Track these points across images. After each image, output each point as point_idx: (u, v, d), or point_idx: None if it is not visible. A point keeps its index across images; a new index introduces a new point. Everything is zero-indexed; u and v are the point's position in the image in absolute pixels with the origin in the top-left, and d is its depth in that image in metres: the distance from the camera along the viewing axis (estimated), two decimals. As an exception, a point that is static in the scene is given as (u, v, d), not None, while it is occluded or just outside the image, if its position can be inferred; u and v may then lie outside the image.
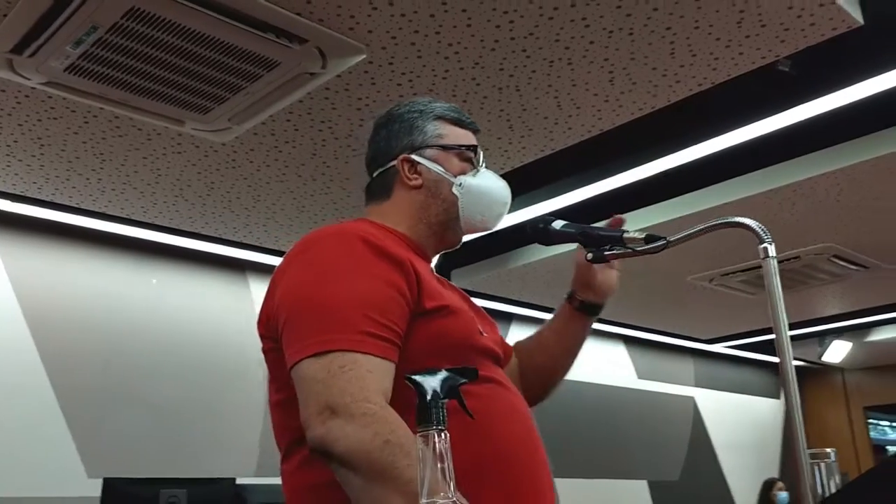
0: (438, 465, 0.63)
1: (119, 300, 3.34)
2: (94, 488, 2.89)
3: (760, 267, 3.80)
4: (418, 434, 0.66)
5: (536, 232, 1.26)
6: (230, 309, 3.69)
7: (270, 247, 3.54)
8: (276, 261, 3.67)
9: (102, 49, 1.92)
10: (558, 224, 1.24)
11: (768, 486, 5.46)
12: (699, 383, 6.06)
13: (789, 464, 0.84)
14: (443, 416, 0.66)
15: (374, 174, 1.32)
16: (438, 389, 0.67)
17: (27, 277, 3.12)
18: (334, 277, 1.07)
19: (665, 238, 1.11)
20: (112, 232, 3.24)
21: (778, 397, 6.94)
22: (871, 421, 6.87)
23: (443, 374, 0.69)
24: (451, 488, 0.62)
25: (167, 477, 2.62)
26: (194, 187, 2.87)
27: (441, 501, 0.61)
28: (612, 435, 5.11)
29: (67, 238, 3.25)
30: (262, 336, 1.16)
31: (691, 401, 5.95)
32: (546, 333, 1.42)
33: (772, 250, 0.92)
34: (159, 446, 3.24)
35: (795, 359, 6.37)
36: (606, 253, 1.18)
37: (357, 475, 0.91)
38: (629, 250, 1.17)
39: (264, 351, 1.15)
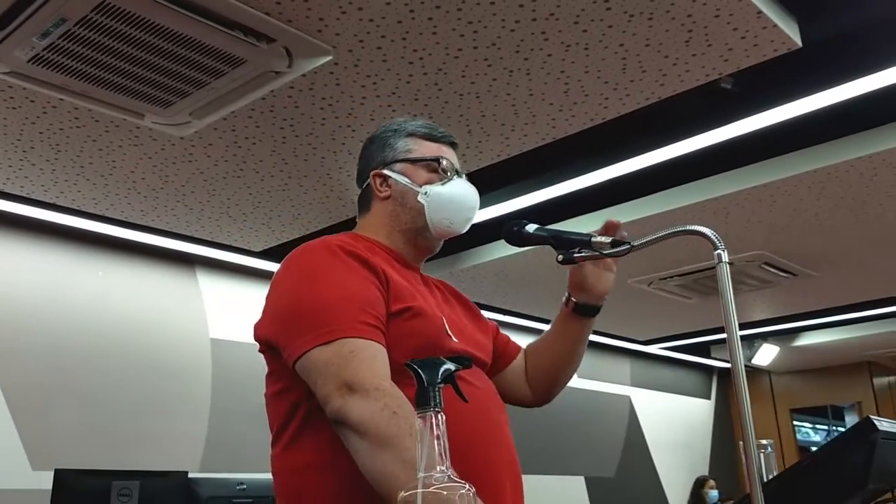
0: (435, 443, 0.70)
1: (66, 292, 3.30)
2: (39, 481, 2.86)
3: (696, 272, 3.95)
4: (417, 415, 0.73)
5: (510, 234, 1.35)
6: (178, 303, 3.68)
7: (222, 241, 3.54)
8: (227, 256, 3.67)
9: (69, 41, 1.92)
10: (531, 227, 1.32)
11: (699, 484, 5.69)
12: (635, 383, 6.26)
13: (743, 453, 0.92)
14: (439, 399, 0.73)
15: (360, 191, 1.45)
16: (437, 376, 0.75)
17: (-29, 267, 3.07)
18: (325, 279, 1.20)
19: (629, 242, 1.21)
20: (61, 223, 3.20)
21: (709, 398, 7.22)
22: (796, 423, 7.19)
23: (439, 362, 0.76)
24: (446, 463, 0.69)
25: (116, 469, 2.61)
26: (148, 180, 2.87)
27: (437, 475, 0.68)
28: (551, 432, 5.25)
29: (14, 228, 3.20)
30: (257, 339, 1.27)
31: (627, 400, 6.14)
32: (548, 335, 1.52)
33: (725, 256, 1.02)
34: (105, 439, 3.21)
35: (725, 360, 6.67)
36: (575, 255, 1.27)
37: (365, 441, 1.03)
38: (596, 253, 1.26)
39: (261, 351, 1.27)
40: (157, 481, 2.48)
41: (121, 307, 3.46)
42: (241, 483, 2.64)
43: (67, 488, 2.30)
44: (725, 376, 7.39)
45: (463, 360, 0.80)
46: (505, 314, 4.75)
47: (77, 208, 3.09)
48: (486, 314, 4.72)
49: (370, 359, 1.10)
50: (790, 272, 4.16)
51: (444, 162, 1.36)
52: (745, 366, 6.23)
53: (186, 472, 2.57)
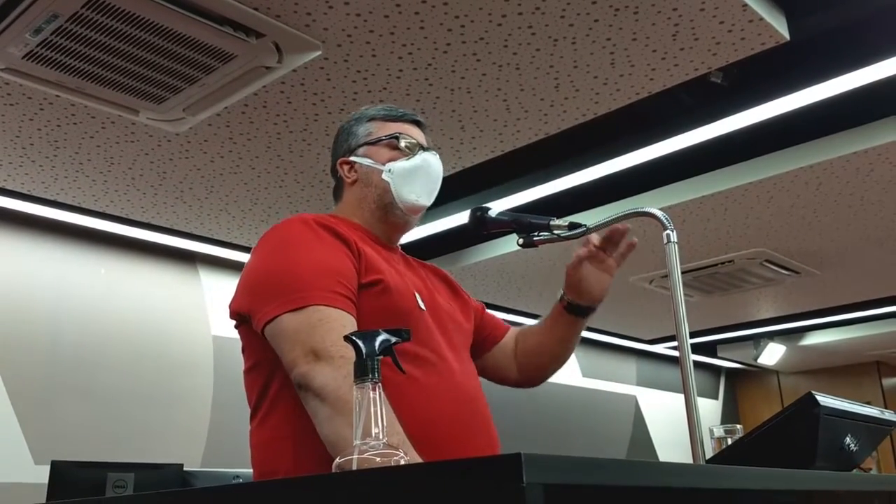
0: (372, 412, 0.72)
1: (68, 289, 3.34)
2: (41, 475, 2.89)
3: (695, 270, 3.92)
4: (355, 386, 0.75)
5: (475, 219, 1.37)
6: (180, 300, 3.71)
7: (222, 238, 3.57)
8: (227, 253, 3.70)
9: (61, 37, 1.96)
10: (494, 212, 1.35)
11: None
12: (641, 382, 6.25)
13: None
14: (377, 370, 0.75)
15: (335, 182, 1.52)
16: (375, 347, 0.76)
17: (-26, 263, 3.11)
18: (298, 249, 1.24)
19: (585, 225, 1.23)
20: (62, 220, 3.24)
21: (717, 398, 7.18)
22: (804, 423, 7.13)
23: (378, 334, 0.78)
24: (383, 432, 0.71)
25: (115, 461, 2.64)
26: (146, 177, 2.90)
27: (373, 442, 0.70)
28: (557, 431, 5.25)
29: (16, 225, 3.24)
30: (232, 314, 1.30)
31: (633, 399, 6.13)
32: (540, 327, 1.54)
33: (673, 236, 1.03)
34: (107, 435, 3.25)
35: (732, 360, 6.63)
36: (535, 239, 1.29)
37: (325, 406, 1.07)
38: (555, 236, 1.28)
39: (236, 327, 1.31)
40: (153, 473, 2.50)
41: (123, 304, 3.50)
42: (237, 476, 2.66)
43: (64, 480, 2.33)
44: (733, 376, 7.36)
45: (401, 332, 0.81)
46: (507, 312, 4.75)
47: (77, 205, 3.13)
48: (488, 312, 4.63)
49: (339, 328, 1.13)
50: (792, 270, 4.14)
51: (404, 138, 1.39)
52: (752, 365, 6.18)
53: (182, 465, 2.59)
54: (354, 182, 1.42)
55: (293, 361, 1.12)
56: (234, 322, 1.30)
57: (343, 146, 1.46)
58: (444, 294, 1.45)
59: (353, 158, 1.43)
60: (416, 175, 1.39)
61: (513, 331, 1.60)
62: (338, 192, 1.48)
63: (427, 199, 1.41)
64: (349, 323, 1.17)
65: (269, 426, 1.23)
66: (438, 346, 1.28)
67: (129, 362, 3.44)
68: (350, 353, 1.08)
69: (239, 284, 1.29)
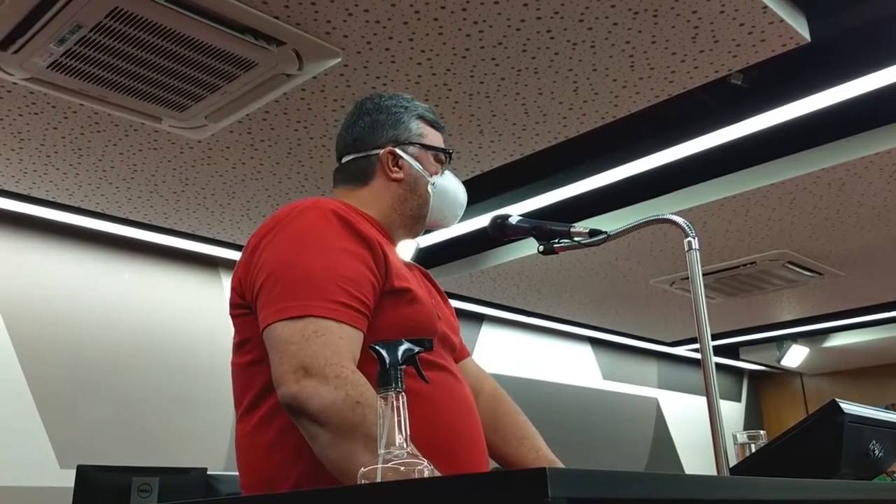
0: (396, 421, 0.73)
1: (93, 295, 3.38)
2: (66, 479, 2.93)
3: (718, 272, 3.90)
4: (379, 395, 0.76)
5: (495, 226, 1.37)
6: (203, 304, 3.74)
7: (244, 243, 3.58)
8: (249, 258, 3.72)
9: (85, 47, 1.99)
10: (514, 219, 1.35)
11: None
12: (662, 385, 6.21)
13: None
14: (401, 379, 0.76)
15: (350, 157, 1.37)
16: (398, 356, 0.77)
17: (2, 270, 3.16)
18: (312, 248, 1.13)
19: (606, 232, 1.23)
20: (86, 226, 3.29)
21: (739, 400, 7.12)
22: (828, 425, 7.04)
23: (401, 344, 0.79)
24: (407, 441, 0.72)
25: (140, 466, 2.66)
26: (169, 183, 2.94)
27: (397, 451, 0.70)
28: (578, 434, 5.22)
29: (43, 232, 3.28)
30: (232, 304, 1.22)
31: (654, 402, 6.09)
32: (507, 441, 1.43)
33: (695, 244, 1.03)
34: (131, 439, 3.29)
35: (755, 362, 6.58)
36: (556, 246, 1.29)
37: (326, 431, 0.99)
38: (576, 243, 1.28)
39: (233, 315, 1.22)
40: (177, 478, 2.52)
41: (146, 308, 3.54)
42: (260, 480, 2.68)
43: (89, 484, 2.35)
44: (756, 378, 7.29)
45: (423, 342, 0.82)
46: (527, 315, 4.75)
47: (101, 211, 3.17)
48: (505, 315, 4.71)
49: (335, 342, 1.04)
50: (816, 271, 4.10)
51: (450, 156, 1.38)
52: (775, 367, 6.12)
53: (206, 469, 2.60)
54: (398, 180, 1.33)
55: (281, 377, 1.03)
56: (231, 308, 1.20)
57: (390, 132, 1.34)
58: (438, 299, 1.38)
59: (401, 153, 1.33)
60: (449, 196, 1.35)
61: (477, 372, 1.45)
62: (362, 176, 1.34)
63: (451, 222, 1.38)
64: (348, 336, 1.07)
65: (273, 429, 1.12)
66: (443, 355, 1.26)
67: (152, 366, 3.48)
68: (344, 370, 1.01)
69: (250, 268, 1.17)
